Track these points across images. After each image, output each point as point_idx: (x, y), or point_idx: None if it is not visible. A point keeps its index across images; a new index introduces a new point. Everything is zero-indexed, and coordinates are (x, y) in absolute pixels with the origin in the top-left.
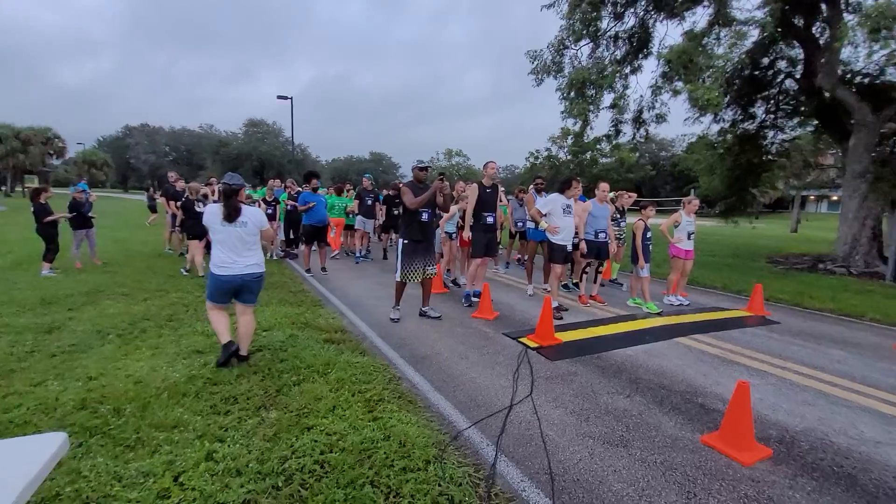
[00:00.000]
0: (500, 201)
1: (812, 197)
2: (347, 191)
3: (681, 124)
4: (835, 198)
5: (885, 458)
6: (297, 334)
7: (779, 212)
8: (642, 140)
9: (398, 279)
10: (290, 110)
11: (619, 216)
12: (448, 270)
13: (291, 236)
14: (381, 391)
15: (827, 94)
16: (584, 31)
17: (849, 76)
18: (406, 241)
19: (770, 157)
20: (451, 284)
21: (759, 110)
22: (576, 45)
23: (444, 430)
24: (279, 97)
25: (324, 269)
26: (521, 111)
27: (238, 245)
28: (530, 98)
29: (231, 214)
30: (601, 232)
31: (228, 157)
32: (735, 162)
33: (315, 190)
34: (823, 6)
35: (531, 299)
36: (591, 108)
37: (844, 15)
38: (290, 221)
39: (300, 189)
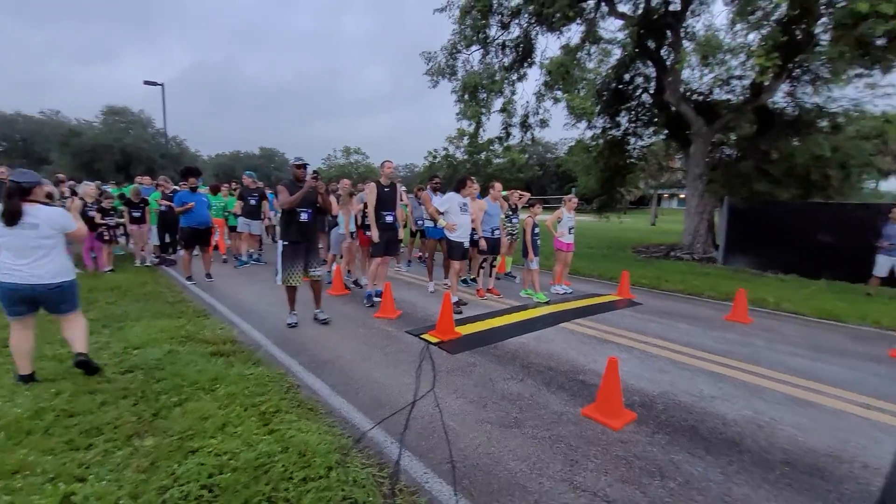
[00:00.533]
0: (401, 200)
1: (666, 195)
2: (234, 190)
3: (562, 129)
4: (682, 196)
5: (717, 409)
6: (177, 350)
7: (641, 208)
8: (529, 142)
9: (278, 283)
10: (161, 98)
11: (511, 213)
12: (349, 271)
13: (167, 240)
14: (277, 402)
15: (673, 109)
16: (475, 38)
17: (689, 94)
18: (285, 243)
19: (633, 160)
20: (352, 285)
21: (623, 119)
22: (467, 50)
23: (348, 433)
24: (147, 83)
25: (209, 275)
26: (421, 110)
27: (28, 251)
28: (430, 97)
29: (9, 216)
30: (496, 229)
31: (81, 149)
32: (606, 164)
33: (194, 189)
34: (669, 33)
35: (432, 296)
36: (484, 110)
37: (684, 42)
38: (165, 224)
39: (176, 188)
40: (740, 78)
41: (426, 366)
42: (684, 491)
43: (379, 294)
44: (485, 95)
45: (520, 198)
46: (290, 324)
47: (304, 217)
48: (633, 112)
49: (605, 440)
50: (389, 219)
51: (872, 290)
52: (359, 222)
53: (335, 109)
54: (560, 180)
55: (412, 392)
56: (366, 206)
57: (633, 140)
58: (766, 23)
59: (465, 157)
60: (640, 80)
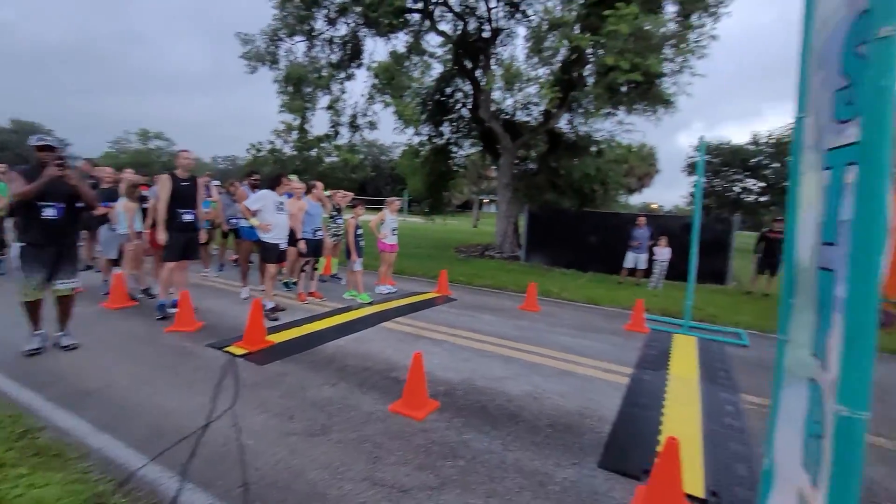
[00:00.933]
0: (210, 196)
1: (487, 200)
2: None
3: (392, 132)
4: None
5: (505, 388)
6: None
7: (466, 211)
8: (359, 143)
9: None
10: None
11: (335, 214)
12: (136, 278)
13: None
14: (1, 454)
15: (487, 124)
16: (298, 28)
17: (499, 113)
18: (23, 245)
19: (456, 167)
20: (141, 295)
21: (446, 129)
22: (291, 39)
23: (110, 476)
24: None
25: None
26: (247, 96)
27: None
28: (257, 84)
29: None
30: (318, 230)
31: None
32: (432, 169)
33: None
34: (482, 56)
35: (246, 303)
36: (309, 105)
37: (493, 66)
38: None
39: None
40: (536, 104)
41: (229, 382)
42: (470, 466)
43: (174, 304)
44: (310, 90)
45: (343, 197)
46: (30, 350)
47: (49, 213)
48: (454, 124)
49: (408, 432)
50: (188, 217)
51: (622, 279)
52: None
53: (132, 82)
54: (395, 182)
55: (207, 414)
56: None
57: (455, 149)
58: (552, 61)
59: (295, 152)
60: (459, 95)
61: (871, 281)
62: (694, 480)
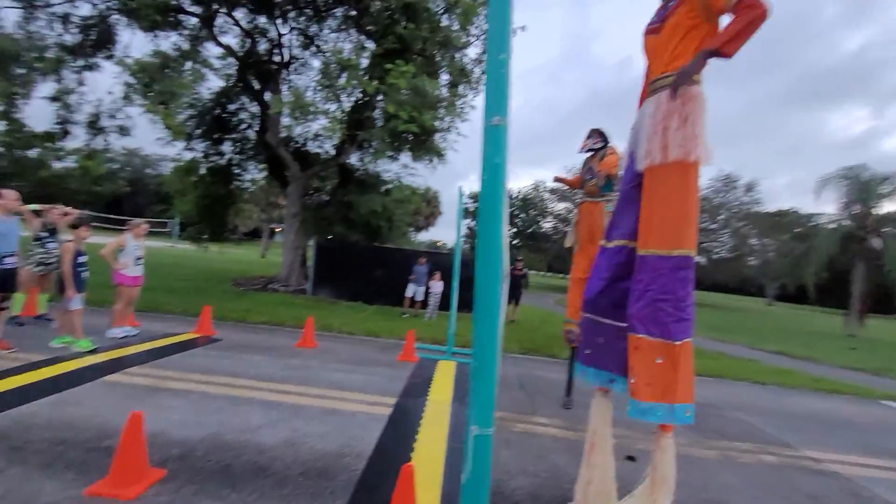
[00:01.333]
0: None
1: (278, 229)
2: None
3: (156, 143)
4: None
5: (259, 438)
6: None
7: (256, 240)
8: (103, 148)
9: None
10: None
11: (46, 235)
12: None
13: None
14: None
15: (275, 150)
16: None
17: (288, 139)
18: None
19: (240, 191)
20: None
21: (227, 149)
22: None
23: None
24: None
25: None
26: None
27: None
28: None
29: None
30: (8, 255)
31: None
32: (207, 191)
33: None
34: (272, 79)
35: None
36: (21, 91)
37: (284, 92)
38: None
39: None
40: (329, 137)
41: None
42: None
43: None
44: (24, 72)
45: (63, 215)
46: None
47: None
48: (237, 144)
49: None
50: None
51: (404, 311)
52: None
53: None
54: (163, 202)
55: None
56: None
57: (239, 171)
58: (342, 99)
59: (1, 149)
60: (245, 115)
61: (491, 320)
62: (431, 499)
